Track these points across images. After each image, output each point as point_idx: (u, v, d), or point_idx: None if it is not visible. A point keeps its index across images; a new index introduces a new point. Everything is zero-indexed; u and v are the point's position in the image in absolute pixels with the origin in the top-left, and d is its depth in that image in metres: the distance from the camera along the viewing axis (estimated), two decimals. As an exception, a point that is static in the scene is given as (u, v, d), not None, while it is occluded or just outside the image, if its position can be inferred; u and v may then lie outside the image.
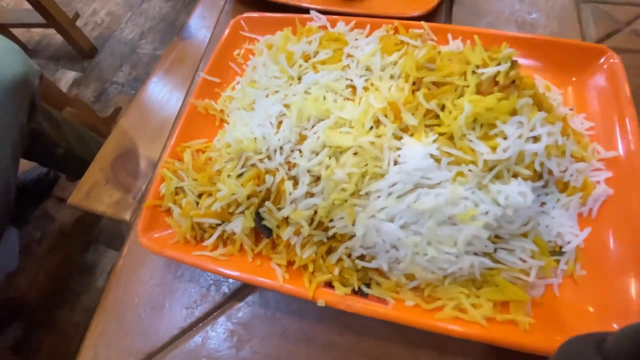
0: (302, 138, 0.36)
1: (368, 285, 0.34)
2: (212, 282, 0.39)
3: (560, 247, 0.33)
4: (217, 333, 0.37)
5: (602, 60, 0.40)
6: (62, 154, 1.12)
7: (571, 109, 0.40)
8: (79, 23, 1.87)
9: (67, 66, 1.98)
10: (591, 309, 0.31)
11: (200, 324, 0.38)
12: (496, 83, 0.34)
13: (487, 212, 0.31)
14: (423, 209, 0.30)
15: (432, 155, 0.32)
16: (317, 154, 0.34)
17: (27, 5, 1.62)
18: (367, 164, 0.33)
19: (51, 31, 1.83)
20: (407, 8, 0.49)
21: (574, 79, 0.41)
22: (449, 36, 0.44)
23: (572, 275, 0.33)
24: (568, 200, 0.34)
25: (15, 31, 1.87)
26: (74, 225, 1.52)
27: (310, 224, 0.34)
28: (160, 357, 0.37)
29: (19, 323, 1.35)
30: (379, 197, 0.32)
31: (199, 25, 0.71)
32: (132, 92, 1.83)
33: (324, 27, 0.46)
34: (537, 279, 0.32)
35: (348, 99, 0.37)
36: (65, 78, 1.94)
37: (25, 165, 1.49)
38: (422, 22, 0.44)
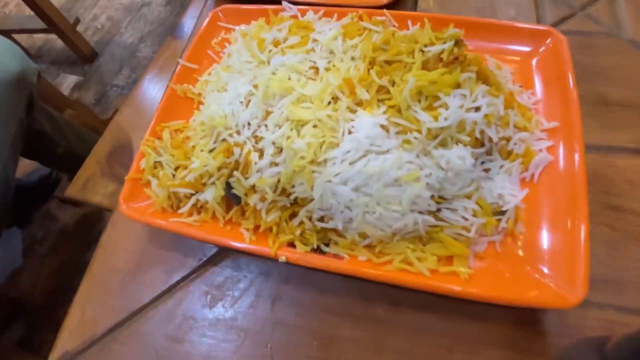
0: (268, 114, 0.39)
1: (327, 245, 0.37)
2: (189, 250, 0.43)
3: (502, 208, 0.36)
4: (192, 294, 0.40)
5: (548, 40, 0.44)
6: (62, 153, 1.14)
7: (520, 86, 0.43)
8: (79, 28, 1.92)
9: (68, 70, 2.03)
10: (522, 256, 0.34)
11: (177, 287, 0.41)
12: (441, 60, 0.37)
13: (430, 175, 0.34)
14: (371, 172, 0.34)
15: (381, 125, 0.36)
16: (280, 128, 0.38)
17: (29, 12, 1.67)
18: (324, 135, 0.36)
19: (52, 36, 1.87)
20: (374, -2, 0.53)
21: (520, 58, 0.45)
22: (409, 23, 0.47)
23: (513, 232, 0.36)
24: (510, 166, 0.38)
25: (18, 37, 1.92)
26: (76, 225, 1.54)
27: (274, 191, 0.37)
28: (141, 315, 0.40)
29: (22, 322, 1.37)
30: (334, 163, 0.35)
31: (191, 25, 0.75)
32: (132, 95, 1.87)
33: (294, 17, 0.50)
34: (479, 236, 0.36)
35: (311, 79, 0.40)
36: (67, 82, 1.98)
37: (27, 166, 1.53)
38: (384, 10, 0.48)
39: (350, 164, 0.35)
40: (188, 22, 0.76)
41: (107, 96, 1.93)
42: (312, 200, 0.36)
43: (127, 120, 0.81)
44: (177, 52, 0.77)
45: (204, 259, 0.42)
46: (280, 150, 0.38)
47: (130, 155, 0.73)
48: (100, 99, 1.92)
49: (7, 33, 1.81)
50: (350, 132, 0.36)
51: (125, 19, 2.17)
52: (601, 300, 0.35)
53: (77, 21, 1.87)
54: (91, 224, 1.51)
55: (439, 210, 0.35)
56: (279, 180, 0.37)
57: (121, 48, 2.08)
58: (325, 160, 0.36)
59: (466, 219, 0.35)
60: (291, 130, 0.37)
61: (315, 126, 0.37)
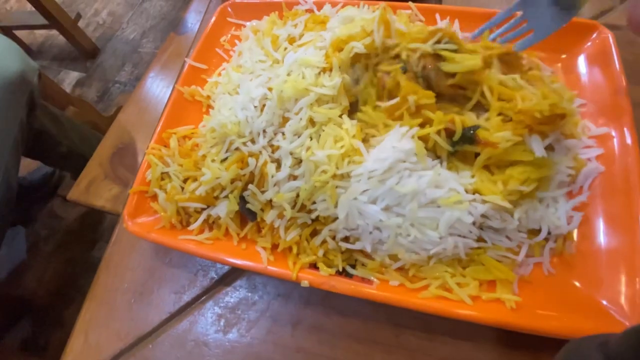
0: (285, 120, 0.36)
1: (353, 267, 0.33)
2: (200, 267, 0.39)
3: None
4: (205, 317, 0.37)
5: (593, 36, 0.39)
6: (64, 152, 1.13)
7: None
8: (81, 24, 1.89)
9: (70, 67, 2.00)
10: (578, 285, 0.30)
11: (188, 309, 0.38)
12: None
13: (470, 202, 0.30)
14: (405, 192, 0.30)
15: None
16: (299, 136, 0.34)
17: (30, 8, 1.64)
18: (344, 145, 0.32)
19: (54, 32, 1.85)
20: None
21: (564, 56, 0.40)
22: (437, 16, 0.43)
23: (562, 253, 0.32)
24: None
25: (19, 33, 1.90)
26: (80, 223, 1.54)
27: (293, 207, 0.33)
28: (149, 341, 0.37)
29: (27, 320, 1.36)
30: (359, 180, 0.31)
31: (195, 20, 0.71)
32: (135, 91, 1.85)
33: (310, 11, 0.46)
34: (524, 257, 0.32)
35: (324, 69, 0.36)
36: (69, 78, 1.96)
37: (31, 165, 1.51)
38: (410, 3, 0.43)
39: (380, 181, 0.31)
40: (192, 17, 0.73)
41: (109, 93, 1.91)
42: (335, 218, 0.32)
43: (130, 120, 0.77)
44: (180, 49, 0.73)
45: (216, 277, 0.39)
46: (299, 161, 0.34)
47: (134, 156, 0.70)
48: (103, 95, 1.90)
49: (8, 29, 1.78)
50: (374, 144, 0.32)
51: (126, 13, 2.14)
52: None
53: (79, 16, 1.84)
54: (96, 221, 1.50)
55: (481, 228, 0.31)
56: (298, 195, 0.33)
57: (123, 43, 2.05)
58: (349, 174, 0.32)
59: (511, 239, 0.31)
60: (311, 139, 0.33)
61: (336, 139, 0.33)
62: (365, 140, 0.33)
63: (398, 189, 0.30)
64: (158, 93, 0.75)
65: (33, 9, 1.63)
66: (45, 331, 1.31)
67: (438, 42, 0.33)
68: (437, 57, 0.33)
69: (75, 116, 1.28)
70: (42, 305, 1.37)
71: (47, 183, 1.56)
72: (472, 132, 0.31)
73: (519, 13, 0.36)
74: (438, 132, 0.31)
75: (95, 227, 1.49)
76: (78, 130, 1.18)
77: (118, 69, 1.96)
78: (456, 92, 0.33)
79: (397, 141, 0.32)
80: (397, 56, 0.35)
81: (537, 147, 0.29)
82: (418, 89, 0.32)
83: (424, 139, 0.32)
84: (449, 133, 0.31)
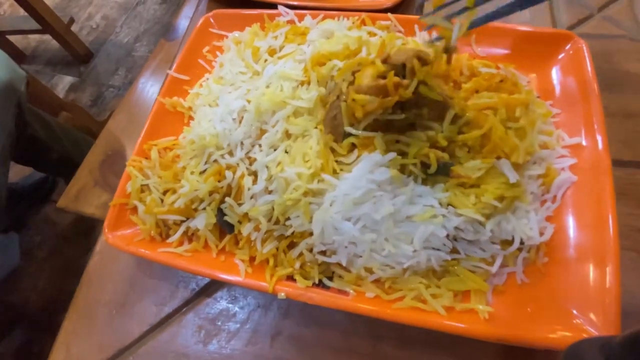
0: (263, 132, 0.36)
1: (330, 279, 0.34)
2: (181, 278, 0.40)
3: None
4: (186, 329, 0.37)
5: (568, 46, 0.40)
6: (56, 158, 1.13)
7: (538, 97, 0.40)
8: (74, 28, 1.88)
9: (64, 71, 1.99)
10: (551, 295, 0.31)
11: (169, 320, 0.38)
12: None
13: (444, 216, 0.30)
14: (381, 217, 0.30)
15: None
16: (275, 150, 0.34)
17: (23, 12, 1.64)
18: (313, 166, 0.32)
19: (47, 37, 1.84)
20: (377, 0, 0.49)
21: (539, 65, 0.41)
22: (416, 27, 0.44)
23: (535, 263, 0.33)
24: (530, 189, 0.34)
25: (12, 38, 1.89)
26: (74, 229, 1.53)
27: (269, 220, 0.34)
28: (130, 353, 0.37)
29: (20, 327, 1.36)
30: (332, 201, 0.32)
31: (185, 26, 0.71)
32: (128, 95, 1.85)
33: (292, 22, 0.46)
34: (498, 266, 0.32)
35: (302, 82, 0.37)
36: (62, 83, 1.95)
37: (24, 170, 1.51)
38: (389, 14, 0.44)
39: (355, 204, 0.31)
40: (182, 23, 0.73)
41: (103, 97, 1.90)
42: (311, 233, 0.33)
43: (120, 127, 0.77)
44: (170, 55, 0.73)
45: (197, 289, 0.39)
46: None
47: (123, 163, 0.70)
48: (97, 100, 1.89)
49: (1, 34, 1.78)
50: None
51: (120, 17, 2.14)
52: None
53: (72, 21, 1.83)
54: (89, 227, 1.50)
55: (455, 239, 0.32)
56: (273, 208, 0.33)
57: (117, 48, 2.04)
58: (321, 191, 0.32)
59: (484, 250, 0.32)
60: (286, 152, 0.34)
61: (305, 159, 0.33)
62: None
63: (374, 215, 0.30)
64: (148, 99, 0.75)
65: (26, 13, 1.63)
66: (38, 338, 1.30)
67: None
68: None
69: (69, 121, 1.27)
70: (35, 312, 1.36)
71: (41, 189, 1.55)
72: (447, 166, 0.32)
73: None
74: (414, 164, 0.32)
75: (89, 233, 1.48)
76: (70, 136, 1.18)
77: (112, 73, 1.96)
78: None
79: (370, 171, 0.31)
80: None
81: (510, 173, 0.30)
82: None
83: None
84: (424, 164, 0.31)
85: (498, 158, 0.31)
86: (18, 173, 1.51)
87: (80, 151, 1.18)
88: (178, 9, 0.77)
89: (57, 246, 1.51)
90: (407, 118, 0.31)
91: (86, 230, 1.52)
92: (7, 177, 0.85)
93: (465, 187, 0.31)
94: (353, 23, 0.43)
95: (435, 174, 0.31)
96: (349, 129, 0.31)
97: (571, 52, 0.39)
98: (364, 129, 0.31)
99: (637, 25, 0.47)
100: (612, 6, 0.49)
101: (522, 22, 0.49)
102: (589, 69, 0.38)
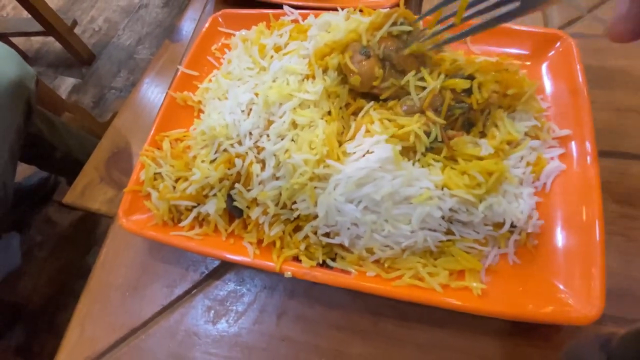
0: (270, 123, 0.38)
1: (333, 260, 0.36)
2: (190, 262, 0.42)
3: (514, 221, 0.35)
4: (195, 309, 0.39)
5: (557, 44, 0.42)
6: (60, 157, 1.14)
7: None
8: (77, 30, 1.91)
9: (66, 73, 2.01)
10: (540, 274, 0.33)
11: (179, 302, 0.40)
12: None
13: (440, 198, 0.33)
14: (381, 197, 0.32)
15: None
16: (283, 139, 0.37)
17: (27, 14, 1.66)
18: (319, 152, 0.34)
19: (50, 39, 1.86)
20: (377, 1, 0.52)
21: (529, 63, 0.43)
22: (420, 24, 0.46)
23: (526, 245, 0.35)
24: (522, 176, 0.36)
25: (15, 40, 1.91)
26: (75, 229, 1.53)
27: (276, 204, 0.36)
28: (142, 332, 0.39)
29: (21, 326, 1.36)
30: (337, 184, 0.34)
31: (189, 28, 0.73)
32: (130, 97, 1.87)
33: (296, 21, 0.48)
34: (491, 247, 0.34)
35: (307, 76, 0.39)
36: (65, 85, 1.97)
37: (26, 170, 1.52)
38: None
39: (357, 185, 0.33)
40: (186, 25, 0.75)
41: (105, 99, 1.92)
42: (316, 216, 0.35)
43: (126, 125, 0.80)
44: (175, 56, 0.76)
45: (207, 272, 0.41)
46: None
47: (129, 160, 0.72)
48: (99, 101, 1.91)
49: (5, 36, 1.80)
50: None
51: (122, 20, 2.16)
52: (616, 313, 0.34)
53: (75, 23, 1.86)
54: (90, 227, 1.51)
55: (451, 222, 0.34)
56: (281, 193, 0.36)
57: (119, 50, 2.06)
58: (326, 177, 0.35)
59: (477, 232, 0.34)
60: (293, 141, 0.36)
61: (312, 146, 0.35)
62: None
63: (374, 196, 0.32)
64: (153, 99, 0.77)
65: (29, 15, 1.65)
66: (39, 337, 1.31)
67: (394, 23, 0.36)
68: (395, 37, 0.36)
69: (71, 122, 1.29)
70: (36, 311, 1.36)
71: (43, 188, 1.56)
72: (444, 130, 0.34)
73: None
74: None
75: (90, 233, 1.50)
76: (73, 136, 1.20)
77: (114, 75, 1.98)
78: (412, 62, 0.36)
79: (374, 145, 0.34)
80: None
81: (484, 145, 0.33)
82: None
83: (402, 137, 0.34)
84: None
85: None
86: (20, 174, 1.52)
87: (83, 150, 1.20)
88: (181, 12, 0.79)
89: (58, 246, 1.52)
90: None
91: (87, 230, 1.53)
92: (15, 175, 0.87)
93: (458, 162, 0.34)
94: (348, 12, 0.45)
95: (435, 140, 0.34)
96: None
97: (561, 49, 0.42)
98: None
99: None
100: (601, 7, 0.51)
101: (515, 22, 0.51)
102: (577, 65, 0.40)
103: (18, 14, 2.19)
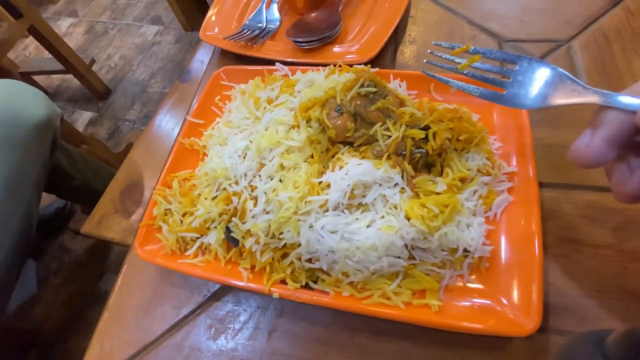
0: (262, 166, 0.45)
1: (315, 282, 0.42)
2: (195, 286, 0.48)
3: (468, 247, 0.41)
4: (199, 327, 0.46)
5: (508, 92, 0.49)
6: (77, 186, 1.21)
7: (486, 132, 0.49)
8: (94, 67, 2.04)
9: (84, 107, 2.14)
10: (489, 292, 0.39)
11: (185, 321, 0.46)
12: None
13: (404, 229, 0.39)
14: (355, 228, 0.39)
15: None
16: (272, 179, 0.44)
17: (47, 54, 1.79)
18: (302, 191, 0.41)
19: (69, 76, 1.99)
20: (357, 56, 0.60)
21: (484, 108, 0.50)
22: (391, 77, 0.54)
23: (478, 267, 0.41)
24: (474, 208, 0.43)
25: (37, 77, 2.05)
26: (88, 256, 1.57)
27: (266, 235, 0.43)
28: (152, 348, 0.45)
29: (35, 353, 1.40)
30: (317, 214, 0.41)
31: (198, 70, 0.82)
32: (143, 128, 1.98)
33: (286, 76, 0.57)
34: (448, 270, 0.41)
35: (293, 126, 0.47)
36: (82, 118, 2.09)
37: (44, 200, 1.61)
38: (368, 67, 0.54)
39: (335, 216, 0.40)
40: (194, 67, 0.84)
41: (119, 130, 2.02)
42: (300, 244, 0.41)
43: (139, 159, 0.88)
44: (183, 95, 0.85)
45: (208, 294, 0.48)
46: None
47: (140, 193, 0.80)
48: (113, 133, 2.02)
49: (28, 75, 1.93)
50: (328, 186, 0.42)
51: (137, 57, 2.30)
52: (562, 327, 0.39)
53: (92, 62, 1.99)
54: (103, 254, 1.56)
55: (413, 248, 0.40)
56: (270, 226, 0.42)
57: (133, 84, 2.19)
58: (308, 210, 0.41)
59: (436, 257, 0.40)
60: (280, 181, 0.43)
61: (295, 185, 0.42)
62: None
63: (349, 228, 0.39)
64: (164, 135, 0.85)
65: (50, 55, 1.78)
66: (54, 362, 1.35)
67: (362, 85, 0.43)
68: (364, 96, 0.43)
69: (88, 153, 1.37)
70: (50, 338, 1.39)
71: (59, 217, 1.63)
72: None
73: (513, 66, 0.37)
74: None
75: (103, 259, 1.55)
76: (90, 166, 1.27)
77: (128, 108, 2.09)
78: (379, 115, 0.43)
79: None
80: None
81: (439, 183, 0.40)
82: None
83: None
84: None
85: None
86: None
87: (99, 178, 1.27)
88: (190, 55, 0.89)
89: (72, 273, 1.56)
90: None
91: (100, 257, 1.58)
92: (39, 206, 0.94)
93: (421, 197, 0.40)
94: (330, 71, 0.53)
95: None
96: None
97: (509, 97, 0.49)
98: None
99: (574, 72, 0.57)
100: (551, 54, 0.59)
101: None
102: (524, 110, 0.47)
103: (39, 53, 2.35)
